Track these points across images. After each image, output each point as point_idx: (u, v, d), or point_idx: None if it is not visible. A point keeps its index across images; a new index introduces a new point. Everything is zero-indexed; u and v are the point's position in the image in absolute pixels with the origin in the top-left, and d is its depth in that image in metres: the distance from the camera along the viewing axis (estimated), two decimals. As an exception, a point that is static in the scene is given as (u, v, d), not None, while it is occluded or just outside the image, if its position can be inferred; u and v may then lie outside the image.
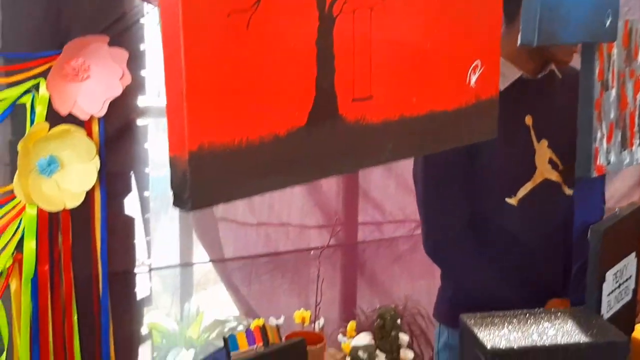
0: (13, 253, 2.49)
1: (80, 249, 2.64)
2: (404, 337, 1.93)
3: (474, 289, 2.09)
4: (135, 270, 2.86)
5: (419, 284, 2.49)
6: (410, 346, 1.97)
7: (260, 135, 0.95)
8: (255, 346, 1.74)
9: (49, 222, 2.53)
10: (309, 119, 1.04)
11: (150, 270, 2.93)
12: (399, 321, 1.91)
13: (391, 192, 3.40)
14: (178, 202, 0.89)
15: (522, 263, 2.09)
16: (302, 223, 3.38)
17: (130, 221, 2.83)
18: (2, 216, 2.47)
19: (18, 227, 2.49)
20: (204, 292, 3.94)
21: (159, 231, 3.27)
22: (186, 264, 3.23)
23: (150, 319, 3.06)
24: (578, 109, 1.71)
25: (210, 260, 3.18)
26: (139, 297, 2.90)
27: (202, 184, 0.87)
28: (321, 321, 2.22)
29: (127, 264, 2.84)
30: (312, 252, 3.19)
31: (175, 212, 3.47)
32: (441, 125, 1.24)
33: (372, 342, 1.77)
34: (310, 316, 2.22)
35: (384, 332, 1.87)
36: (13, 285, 2.53)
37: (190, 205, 0.88)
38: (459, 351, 1.54)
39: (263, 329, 1.76)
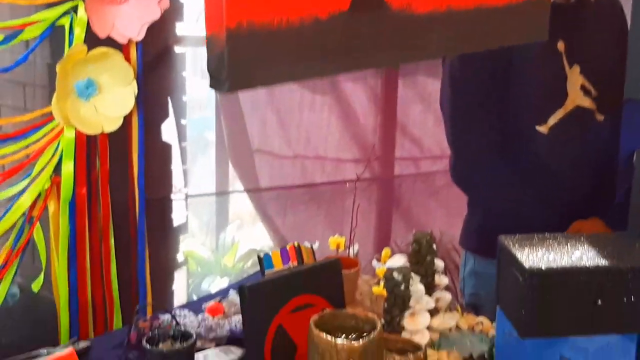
0: (51, 175, 2.51)
1: (117, 173, 2.65)
2: (439, 263, 1.91)
3: (502, 215, 2.07)
4: (172, 197, 2.87)
5: (454, 220, 2.46)
6: (445, 272, 1.95)
7: (300, 17, 0.91)
8: (289, 264, 1.74)
9: (86, 146, 2.54)
10: (352, 4, 0.99)
11: (187, 197, 2.94)
12: (434, 246, 1.89)
13: (429, 127, 3.36)
14: (215, 83, 0.87)
15: (552, 190, 2.06)
16: (338, 157, 3.37)
17: (167, 148, 2.83)
18: (40, 138, 2.48)
19: (56, 149, 2.50)
20: (239, 223, 3.96)
21: (196, 161, 3.27)
22: (222, 193, 3.23)
23: (186, 247, 3.08)
24: (629, 28, 1.65)
25: (246, 190, 3.18)
26: (175, 223, 2.91)
27: (239, 64, 0.85)
28: (355, 247, 2.21)
29: (163, 191, 2.86)
30: (347, 184, 3.17)
31: (211, 143, 3.46)
32: (490, 21, 1.19)
33: (407, 264, 1.76)
34: (345, 242, 2.22)
35: (420, 256, 1.86)
36: (51, 207, 2.55)
37: (227, 86, 0.86)
38: (496, 272, 1.52)
39: (298, 249, 1.75)
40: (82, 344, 1.83)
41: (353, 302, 2.06)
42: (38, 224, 2.54)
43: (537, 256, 1.40)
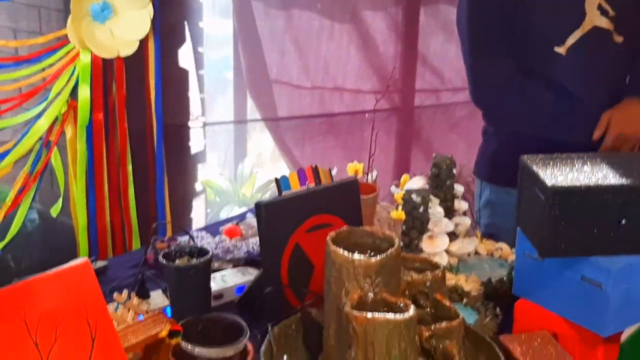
0: (68, 100, 2.49)
1: (134, 99, 2.63)
2: (459, 188, 1.88)
3: (517, 141, 2.03)
4: (190, 124, 2.85)
5: (474, 153, 2.43)
6: (464, 197, 1.93)
7: None
8: (306, 186, 1.71)
9: (102, 70, 2.52)
10: None
11: (205, 125, 2.92)
12: (454, 170, 1.86)
13: (451, 57, 3.29)
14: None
15: (570, 113, 2.01)
16: (357, 87, 3.31)
17: (184, 74, 2.80)
18: (56, 62, 2.46)
19: (72, 73, 2.48)
20: (257, 153, 3.94)
21: (214, 91, 3.22)
22: (240, 122, 3.19)
23: (205, 177, 3.07)
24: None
25: (264, 119, 3.15)
26: (193, 151, 2.90)
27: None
28: (374, 174, 2.19)
29: (181, 118, 2.84)
30: (366, 114, 3.13)
31: (229, 72, 3.42)
32: None
33: (426, 186, 1.74)
34: (363, 168, 2.19)
35: (439, 180, 1.83)
36: (68, 132, 2.54)
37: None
38: (517, 192, 1.49)
39: (315, 170, 1.73)
40: (100, 264, 1.83)
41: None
42: (56, 148, 2.54)
43: (560, 175, 1.36)
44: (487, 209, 2.27)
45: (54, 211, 2.62)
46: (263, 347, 1.38)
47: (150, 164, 2.70)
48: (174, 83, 2.74)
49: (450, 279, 1.77)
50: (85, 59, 2.46)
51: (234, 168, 3.73)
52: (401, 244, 1.69)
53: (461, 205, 1.89)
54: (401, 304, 1.28)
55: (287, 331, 1.49)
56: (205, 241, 1.84)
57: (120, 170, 2.65)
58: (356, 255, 1.29)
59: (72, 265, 1.16)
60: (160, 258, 1.42)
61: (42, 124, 2.44)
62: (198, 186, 3.05)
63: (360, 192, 1.67)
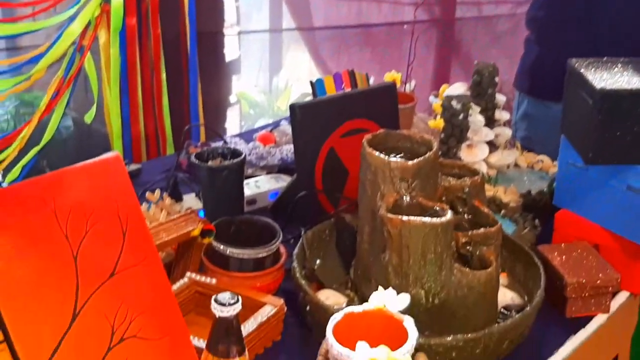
0: (101, 3, 2.44)
1: (167, 5, 2.57)
2: (501, 97, 1.82)
3: (559, 54, 1.97)
4: (224, 31, 2.79)
5: (515, 69, 2.35)
6: (505, 109, 1.86)
7: None
8: (342, 90, 1.66)
9: (136, -28, 2.46)
10: None
11: (240, 33, 2.86)
12: (496, 79, 1.79)
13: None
14: None
15: (614, 31, 1.94)
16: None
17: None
18: (90, -36, 2.39)
19: (106, -24, 2.41)
20: (293, 66, 3.87)
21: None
22: (275, 31, 3.11)
23: (239, 89, 3.03)
24: None
25: (299, 28, 3.07)
26: (227, 59, 2.85)
27: None
28: (412, 83, 2.13)
29: (215, 25, 2.77)
30: (405, 26, 3.04)
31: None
32: None
33: (467, 92, 1.67)
34: (401, 78, 2.13)
35: (480, 89, 1.77)
36: (102, 37, 2.50)
37: None
38: (563, 98, 1.43)
39: (351, 73, 1.67)
40: (133, 167, 1.81)
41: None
42: (89, 54, 2.50)
43: (609, 78, 1.30)
44: (524, 122, 2.24)
45: (88, 117, 2.60)
46: (296, 250, 1.36)
47: (184, 71, 2.66)
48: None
49: (489, 191, 1.73)
50: (118, -40, 2.40)
51: (269, 80, 3.67)
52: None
53: (502, 115, 1.83)
54: (437, 209, 1.25)
55: (321, 236, 1.47)
56: (239, 147, 1.81)
57: (154, 77, 2.61)
58: (392, 158, 1.25)
59: (103, 159, 1.14)
60: (193, 158, 1.39)
61: (75, 28, 2.40)
62: (233, 98, 3.01)
63: (397, 100, 1.62)
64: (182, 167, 1.79)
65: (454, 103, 1.61)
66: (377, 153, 1.26)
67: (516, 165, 1.87)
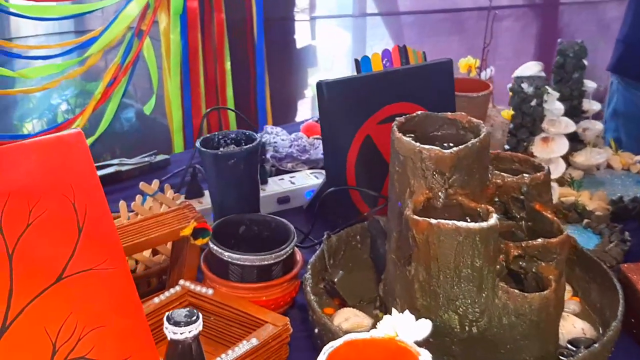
0: (161, -16, 2.27)
1: (233, -15, 2.39)
2: (590, 84, 1.51)
3: None
4: (295, 16, 2.57)
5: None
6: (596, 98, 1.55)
7: None
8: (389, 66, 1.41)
9: (197, -48, 2.28)
10: None
11: (313, 19, 2.63)
12: (584, 61, 1.48)
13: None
14: None
15: None
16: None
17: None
18: (148, -59, 2.23)
19: (165, -44, 2.25)
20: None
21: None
22: (354, 15, 2.86)
23: (315, 81, 2.79)
24: None
25: (381, 14, 2.80)
26: (298, 45, 2.62)
27: None
28: (490, 70, 1.84)
29: (285, 10, 2.56)
30: (496, 12, 2.72)
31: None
32: None
33: (542, 73, 1.37)
34: (477, 64, 1.85)
35: (564, 72, 1.47)
36: (162, 22, 2.34)
37: None
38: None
39: (403, 49, 1.41)
40: (160, 157, 1.63)
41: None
42: (148, 39, 2.34)
43: None
44: (613, 122, 1.95)
45: (147, 109, 2.45)
46: (313, 259, 1.12)
47: (250, 61, 2.47)
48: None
49: (570, 195, 1.44)
50: (178, -60, 2.23)
51: (350, 71, 3.41)
52: (507, 147, 1.37)
53: (591, 105, 1.52)
54: (481, 211, 0.98)
55: (350, 241, 1.22)
56: (279, 138, 1.59)
57: (218, 67, 2.43)
58: (425, 146, 0.99)
59: (61, 134, 0.93)
60: (197, 144, 1.18)
61: (132, 10, 2.25)
62: (308, 92, 2.79)
63: (454, 80, 1.34)
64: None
65: (524, 86, 1.32)
66: (405, 138, 1.00)
67: (608, 166, 1.56)
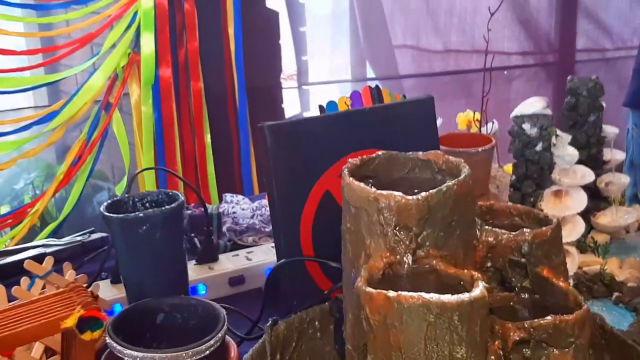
0: (129, 52, 2.07)
1: (210, 52, 2.17)
2: (610, 129, 1.24)
3: None
4: (283, 84, 2.35)
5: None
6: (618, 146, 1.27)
7: None
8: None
9: (169, 16, 2.08)
10: None
11: (301, 86, 2.40)
12: (602, 101, 1.21)
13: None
14: None
15: None
16: (501, 49, 2.67)
17: (274, 17, 2.30)
18: (112, 3, 2.04)
19: (133, 19, 2.05)
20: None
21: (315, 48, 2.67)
22: (353, 81, 2.60)
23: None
24: None
25: (381, 78, 2.55)
26: (287, 114, 2.38)
27: None
28: (493, 125, 1.58)
29: (270, 77, 2.34)
30: (505, 72, 2.50)
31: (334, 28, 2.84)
32: None
33: (548, 111, 1.10)
34: (478, 117, 1.59)
35: (577, 116, 1.20)
36: (134, 94, 2.12)
37: None
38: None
39: (376, 89, 1.15)
40: (96, 236, 1.36)
41: (485, 196, 1.45)
42: (118, 113, 2.12)
43: None
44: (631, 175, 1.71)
45: (119, 190, 2.21)
46: (248, 356, 0.83)
47: (233, 132, 2.23)
48: (262, 32, 2.24)
49: (595, 263, 1.15)
50: (147, 1, 2.03)
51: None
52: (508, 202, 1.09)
53: (614, 155, 1.24)
54: (464, 279, 0.69)
55: (306, 330, 0.93)
56: (239, 207, 1.32)
57: (196, 140, 2.20)
58: (382, 191, 0.71)
59: None
60: (102, 209, 0.91)
61: (97, 80, 2.04)
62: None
63: (436, 122, 1.08)
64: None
65: (526, 127, 1.05)
66: (357, 183, 0.73)
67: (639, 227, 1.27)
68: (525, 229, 0.78)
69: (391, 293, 0.65)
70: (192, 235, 1.27)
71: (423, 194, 0.71)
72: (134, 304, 0.89)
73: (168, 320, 0.90)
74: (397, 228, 0.71)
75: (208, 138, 2.21)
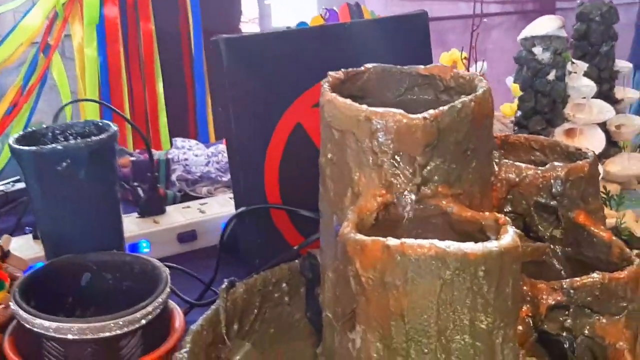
0: (70, -13, 1.84)
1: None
2: (624, 63, 1.06)
3: None
4: (243, 28, 2.14)
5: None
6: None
7: None
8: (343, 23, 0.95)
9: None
10: None
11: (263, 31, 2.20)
12: (615, 29, 1.04)
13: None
14: None
15: None
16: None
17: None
18: None
19: (73, -51, 1.82)
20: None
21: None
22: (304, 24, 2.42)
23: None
24: None
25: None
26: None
27: None
28: (481, 65, 1.40)
29: (229, 19, 2.13)
30: (485, 19, 2.32)
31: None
32: None
33: (563, 32, 0.91)
34: (466, 58, 1.41)
35: (587, 45, 1.02)
36: (76, 36, 1.89)
37: None
38: None
39: (356, 6, 0.96)
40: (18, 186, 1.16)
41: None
42: (58, 57, 1.89)
43: None
44: None
45: (60, 142, 1.99)
46: (196, 325, 0.65)
47: (187, 80, 2.02)
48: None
49: (608, 217, 0.97)
50: None
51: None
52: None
53: (627, 93, 1.07)
54: (485, 224, 0.51)
55: (271, 293, 0.75)
56: (192, 153, 1.13)
57: (147, 88, 1.98)
58: (378, 109, 0.53)
59: None
60: (11, 141, 0.71)
61: (35, 19, 1.80)
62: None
63: (430, 41, 0.89)
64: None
65: (537, 50, 0.87)
66: (343, 99, 0.55)
67: (654, 176, 1.11)
68: (556, 163, 0.60)
69: (392, 241, 0.47)
70: (136, 184, 1.07)
71: (431, 111, 0.53)
72: (50, 261, 0.70)
73: (95, 281, 0.71)
74: (397, 157, 0.53)
75: (160, 86, 1.99)
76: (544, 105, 0.90)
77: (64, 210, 0.72)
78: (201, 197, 1.09)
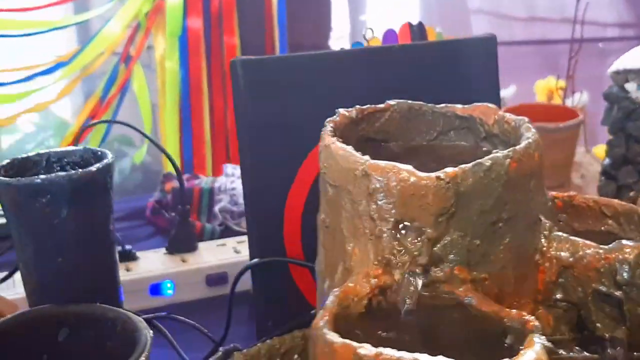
0: (154, -2, 1.80)
1: (247, 5, 1.89)
2: None
3: None
4: (330, 45, 2.05)
5: None
6: None
7: None
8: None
9: (201, -43, 1.80)
10: None
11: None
12: None
13: None
14: None
15: None
16: (595, 19, 2.31)
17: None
18: (135, -60, 1.76)
19: (159, -41, 1.78)
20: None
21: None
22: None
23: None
24: None
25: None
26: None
27: None
28: (582, 96, 1.25)
29: (317, 36, 2.05)
30: (600, 44, 2.14)
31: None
32: None
33: None
34: (562, 88, 1.26)
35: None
36: (158, 47, 1.85)
37: None
38: None
39: (419, 26, 0.83)
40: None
41: (564, 188, 1.11)
42: (140, 68, 1.85)
43: None
44: None
45: (137, 157, 1.94)
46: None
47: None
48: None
49: None
50: (176, -61, 1.76)
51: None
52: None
53: None
54: (510, 327, 0.38)
55: (288, 355, 0.63)
56: (240, 181, 1.02)
57: (228, 106, 1.91)
58: (380, 162, 0.40)
59: None
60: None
61: (115, 28, 1.76)
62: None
63: (497, 70, 0.75)
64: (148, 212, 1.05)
65: (630, 87, 0.72)
66: (341, 146, 0.42)
67: None
68: (624, 242, 0.46)
69: (365, 349, 0.34)
70: (174, 214, 0.97)
71: (448, 169, 0.40)
72: (23, 311, 0.61)
73: (73, 338, 0.61)
74: (400, 227, 0.40)
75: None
76: (637, 153, 0.74)
77: (44, 252, 0.62)
78: (244, 233, 0.98)
